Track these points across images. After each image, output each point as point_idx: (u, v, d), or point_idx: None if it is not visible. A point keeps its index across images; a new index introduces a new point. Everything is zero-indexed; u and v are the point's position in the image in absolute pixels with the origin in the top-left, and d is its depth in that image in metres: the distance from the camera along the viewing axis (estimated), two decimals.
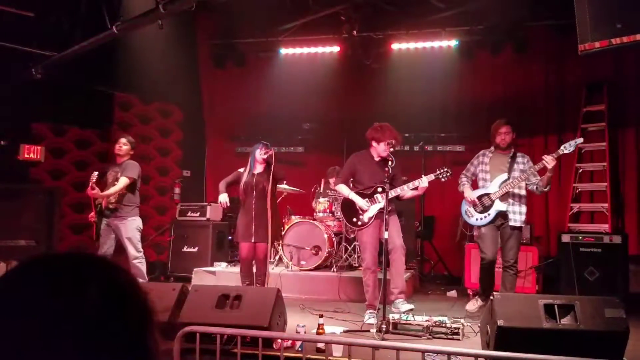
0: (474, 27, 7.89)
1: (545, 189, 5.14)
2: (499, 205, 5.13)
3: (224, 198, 5.57)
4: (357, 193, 5.22)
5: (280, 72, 8.80)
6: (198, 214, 8.00)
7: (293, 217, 7.54)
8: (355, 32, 8.04)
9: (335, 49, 8.51)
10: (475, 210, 5.25)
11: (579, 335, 3.56)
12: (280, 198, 7.78)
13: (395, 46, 8.24)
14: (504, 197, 5.14)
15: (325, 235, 6.93)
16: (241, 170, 5.70)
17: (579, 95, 7.69)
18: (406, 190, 5.11)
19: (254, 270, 5.61)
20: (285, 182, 6.26)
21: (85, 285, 0.69)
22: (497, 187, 5.16)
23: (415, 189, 5.11)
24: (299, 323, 4.26)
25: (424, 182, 5.04)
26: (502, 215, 5.17)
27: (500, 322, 3.57)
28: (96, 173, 5.64)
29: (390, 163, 4.85)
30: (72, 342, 0.64)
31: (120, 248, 5.81)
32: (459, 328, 4.47)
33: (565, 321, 3.63)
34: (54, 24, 7.04)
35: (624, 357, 3.58)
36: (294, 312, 5.38)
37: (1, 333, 0.65)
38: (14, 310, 0.66)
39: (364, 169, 5.25)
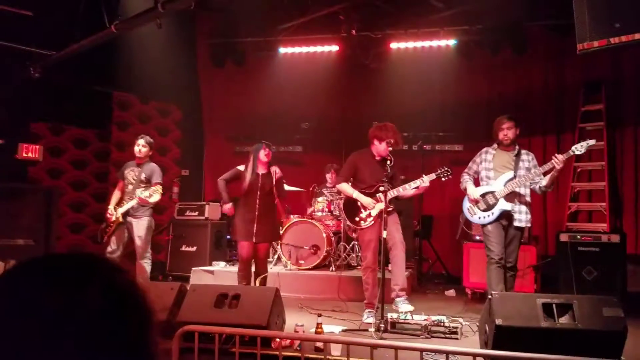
0: (472, 27, 7.89)
1: (549, 189, 5.06)
2: (503, 205, 4.91)
3: (228, 207, 5.61)
4: (359, 192, 5.23)
5: (279, 72, 8.79)
6: (196, 213, 8.00)
7: (292, 216, 7.55)
8: (354, 31, 8.05)
9: (334, 48, 8.51)
10: (479, 208, 5.04)
11: (577, 334, 3.56)
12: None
13: (394, 46, 8.24)
14: (509, 197, 4.92)
15: (324, 235, 6.94)
16: (240, 168, 5.64)
17: (577, 94, 7.70)
18: (408, 190, 5.12)
19: (253, 270, 5.61)
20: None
21: (86, 285, 0.69)
22: (502, 186, 4.93)
23: (416, 188, 5.12)
24: (297, 322, 4.26)
25: (425, 181, 5.06)
26: (506, 216, 4.94)
27: (498, 321, 3.57)
28: (111, 207, 5.85)
29: (389, 162, 4.86)
30: (73, 342, 0.64)
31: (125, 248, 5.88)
32: (457, 327, 4.47)
33: (564, 320, 3.63)
34: (53, 23, 7.02)
35: (622, 356, 3.59)
36: (292, 311, 5.38)
37: (1, 333, 0.65)
38: (15, 310, 0.66)
39: (365, 167, 5.25)
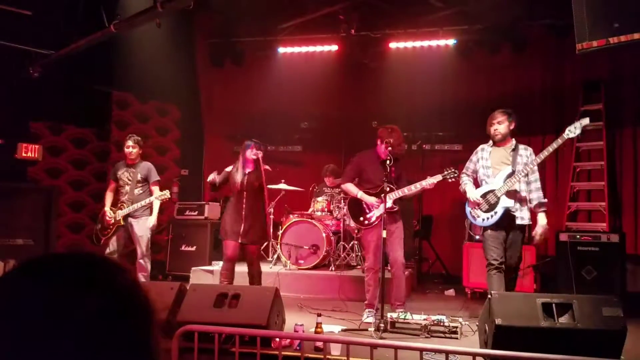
0: (472, 27, 7.89)
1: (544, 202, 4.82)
2: (505, 202, 4.67)
3: (212, 175, 5.57)
4: (364, 192, 5.24)
5: (279, 71, 8.79)
6: (196, 212, 7.99)
7: (291, 216, 7.55)
8: (353, 31, 8.05)
9: (334, 48, 8.50)
10: (481, 210, 4.80)
11: (577, 333, 3.57)
12: (279, 197, 7.79)
13: (393, 45, 8.24)
14: (511, 193, 4.68)
15: (324, 234, 6.94)
16: (228, 169, 5.57)
17: (576, 94, 7.70)
18: (412, 190, 5.10)
19: (245, 270, 5.62)
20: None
21: (87, 285, 0.69)
22: (501, 182, 4.71)
23: (421, 189, 5.12)
24: (297, 322, 4.26)
25: (430, 183, 5.03)
26: (509, 215, 4.70)
27: (498, 321, 3.57)
28: (107, 209, 5.90)
29: (388, 162, 4.86)
30: (73, 342, 0.64)
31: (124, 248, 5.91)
32: (457, 327, 4.48)
33: (563, 320, 3.63)
34: (52, 23, 7.02)
35: (621, 355, 3.59)
36: (292, 311, 5.38)
37: (5, 334, 0.64)
38: (15, 311, 0.66)
39: (369, 168, 5.24)
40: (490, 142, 4.98)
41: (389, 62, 8.44)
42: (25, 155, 7.34)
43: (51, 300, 0.66)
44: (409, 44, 8.18)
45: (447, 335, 4.47)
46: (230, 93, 9.47)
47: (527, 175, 4.70)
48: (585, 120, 4.59)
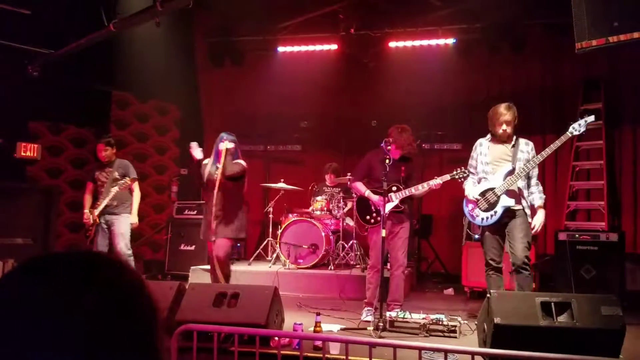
0: (471, 26, 7.89)
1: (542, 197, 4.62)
2: (505, 201, 4.49)
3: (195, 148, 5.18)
4: (371, 191, 5.24)
5: (278, 70, 8.79)
6: (195, 212, 7.99)
7: (290, 215, 7.56)
8: (352, 30, 8.05)
9: (333, 47, 8.50)
10: (480, 209, 4.62)
11: (576, 332, 3.57)
12: (278, 196, 7.79)
13: (393, 44, 8.24)
14: (511, 192, 4.51)
15: (323, 234, 6.94)
16: (205, 162, 5.25)
17: (576, 93, 7.70)
18: (420, 190, 5.08)
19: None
20: (241, 176, 5.24)
21: (90, 284, 0.69)
22: (501, 180, 4.53)
23: (428, 189, 5.09)
24: (296, 321, 4.26)
25: (432, 184, 5.01)
26: (509, 214, 4.53)
27: (497, 320, 3.57)
28: (87, 211, 5.87)
29: (387, 162, 4.86)
30: (78, 342, 0.64)
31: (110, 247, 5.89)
32: (455, 326, 4.48)
33: (562, 319, 3.64)
34: (51, 22, 7.02)
35: (620, 354, 3.59)
36: (291, 310, 5.39)
37: (6, 333, 0.64)
38: (18, 310, 0.65)
39: (378, 167, 5.20)
40: (489, 136, 4.80)
41: (388, 61, 8.44)
42: (24, 154, 7.34)
43: (54, 299, 0.66)
44: (409, 43, 8.18)
45: (446, 334, 4.47)
46: (230, 92, 9.47)
47: (530, 170, 4.54)
48: (590, 118, 4.46)
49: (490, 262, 4.61)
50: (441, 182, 4.99)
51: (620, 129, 7.51)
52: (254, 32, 8.73)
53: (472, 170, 4.89)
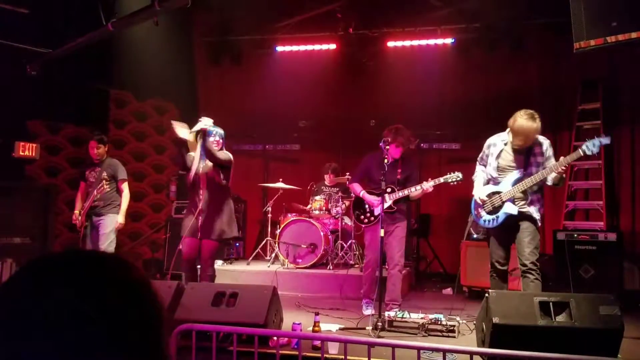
0: (470, 25, 7.90)
1: (558, 186, 4.46)
2: (508, 208, 4.36)
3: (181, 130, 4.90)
4: (367, 192, 5.44)
5: (277, 70, 8.79)
6: None
7: (289, 214, 7.55)
8: (351, 29, 8.05)
9: (332, 46, 8.51)
10: (485, 210, 4.52)
11: (574, 332, 3.57)
12: (277, 196, 7.79)
13: (391, 44, 8.24)
14: (518, 198, 4.37)
15: (322, 233, 6.94)
16: (191, 154, 4.98)
17: (574, 93, 7.71)
18: (414, 193, 5.20)
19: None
20: (229, 165, 4.99)
21: (98, 283, 0.68)
22: (509, 186, 4.38)
23: (421, 191, 5.20)
24: (295, 320, 4.26)
25: (426, 187, 5.13)
26: (515, 218, 4.38)
27: (495, 320, 3.58)
28: (76, 211, 5.79)
29: (386, 162, 4.89)
30: (86, 341, 0.64)
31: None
32: (454, 325, 4.48)
33: (561, 318, 3.64)
34: (49, 21, 7.00)
35: (618, 354, 3.60)
36: (290, 309, 5.39)
37: (14, 334, 0.64)
38: (27, 310, 0.65)
39: (376, 169, 5.31)
40: (505, 137, 4.52)
41: (387, 60, 8.44)
42: (22, 153, 7.32)
43: (60, 299, 0.65)
44: (407, 43, 8.18)
45: (444, 334, 4.48)
46: (228, 91, 9.46)
47: (537, 183, 4.33)
48: (606, 140, 4.16)
49: (495, 264, 4.54)
50: (434, 184, 5.12)
51: (619, 129, 7.51)
52: (253, 31, 8.73)
53: (482, 163, 4.70)
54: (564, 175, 4.28)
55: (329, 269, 6.94)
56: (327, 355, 3.73)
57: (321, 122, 8.95)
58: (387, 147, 4.98)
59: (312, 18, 8.19)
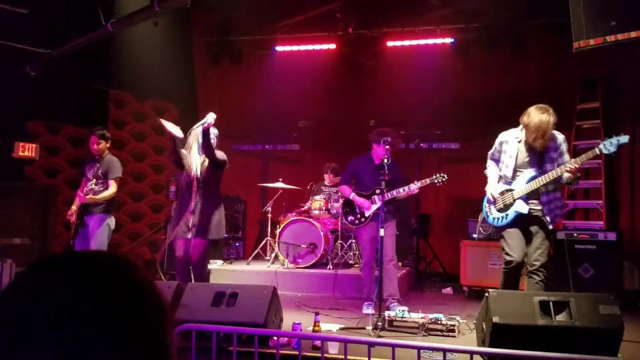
0: (469, 25, 7.90)
1: (572, 185, 4.40)
2: (519, 206, 4.23)
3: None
4: (357, 194, 5.58)
5: (276, 70, 8.79)
6: None
7: (289, 214, 7.55)
8: (350, 29, 8.06)
9: (331, 46, 8.51)
10: (495, 208, 4.39)
11: (574, 332, 3.57)
12: (276, 196, 7.79)
13: (391, 44, 8.24)
14: (529, 197, 4.23)
15: (322, 233, 6.94)
16: (185, 151, 4.94)
17: (573, 92, 7.71)
18: (401, 194, 5.35)
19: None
20: (223, 165, 5.02)
21: (102, 284, 0.68)
22: (523, 185, 4.23)
23: (407, 192, 5.35)
24: (295, 320, 4.26)
25: (413, 188, 5.28)
26: (526, 217, 4.26)
27: (495, 319, 3.58)
28: (73, 207, 5.75)
29: (386, 161, 4.91)
30: (90, 343, 0.63)
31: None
32: (454, 325, 4.48)
33: (560, 318, 3.64)
34: (49, 21, 7.00)
35: (618, 353, 3.60)
36: (290, 309, 5.39)
37: (17, 335, 0.64)
38: (29, 311, 0.65)
39: (364, 172, 5.58)
40: (518, 134, 4.39)
41: (386, 60, 8.45)
42: (22, 154, 7.32)
43: (63, 300, 0.65)
44: (407, 43, 8.18)
45: (444, 333, 4.48)
46: (228, 91, 9.46)
47: (552, 181, 4.19)
48: (625, 138, 3.96)
49: (505, 256, 4.33)
50: (420, 186, 5.28)
51: (618, 128, 7.49)
52: (252, 31, 8.73)
53: (494, 158, 4.56)
54: (578, 174, 4.17)
55: (329, 268, 6.94)
56: (327, 355, 3.73)
57: (321, 122, 8.95)
58: (388, 147, 5.05)
59: (311, 18, 8.19)
